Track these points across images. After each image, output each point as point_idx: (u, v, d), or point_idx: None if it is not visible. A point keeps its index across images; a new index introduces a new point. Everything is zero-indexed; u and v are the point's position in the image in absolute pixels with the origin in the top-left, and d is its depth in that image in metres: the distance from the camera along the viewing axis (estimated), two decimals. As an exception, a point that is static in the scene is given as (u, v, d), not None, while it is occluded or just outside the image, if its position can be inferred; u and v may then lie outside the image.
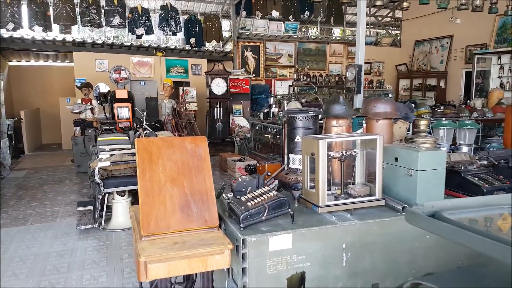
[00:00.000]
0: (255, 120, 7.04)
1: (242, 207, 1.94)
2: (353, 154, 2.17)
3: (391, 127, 2.59)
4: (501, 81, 8.68)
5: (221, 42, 10.52)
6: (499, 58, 8.65)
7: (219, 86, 8.24)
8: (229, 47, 10.71)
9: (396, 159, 2.27)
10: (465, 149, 2.81)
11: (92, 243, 3.73)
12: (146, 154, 1.89)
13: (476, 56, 9.07)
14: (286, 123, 2.37)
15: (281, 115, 5.68)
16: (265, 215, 1.90)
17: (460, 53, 10.42)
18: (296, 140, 2.29)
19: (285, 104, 5.59)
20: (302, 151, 2.17)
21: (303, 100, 5.79)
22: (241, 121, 8.73)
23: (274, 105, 6.49)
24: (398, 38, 12.50)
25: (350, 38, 11.77)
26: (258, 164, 5.69)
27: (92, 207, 4.27)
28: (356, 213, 2.11)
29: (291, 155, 2.32)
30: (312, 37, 11.28)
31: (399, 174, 2.26)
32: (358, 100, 5.41)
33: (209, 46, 10.40)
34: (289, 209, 1.95)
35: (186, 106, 8.00)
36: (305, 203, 2.17)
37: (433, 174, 2.20)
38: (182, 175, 1.90)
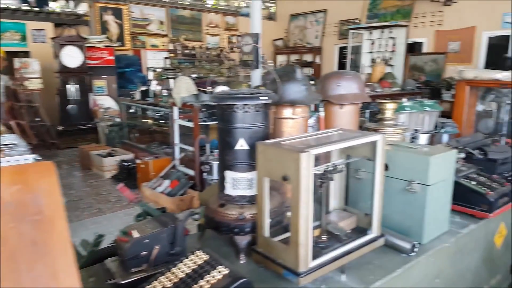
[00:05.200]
0: (129, 100, 5.59)
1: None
2: (338, 168, 1.27)
3: (358, 116, 1.79)
4: (372, 56, 8.97)
5: (72, 2, 8.38)
6: (371, 33, 8.90)
7: (72, 57, 6.43)
8: (83, 8, 8.64)
9: (387, 167, 1.47)
10: (423, 138, 2.22)
11: None
12: None
13: (352, 31, 9.17)
14: (217, 116, 1.33)
15: (166, 94, 4.46)
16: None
17: (334, 28, 10.53)
18: (238, 147, 1.27)
19: (170, 80, 4.42)
20: (259, 170, 1.18)
21: (193, 76, 4.68)
22: (105, 101, 7.07)
23: (155, 81, 5.17)
24: (274, 10, 12.11)
25: (226, 8, 10.84)
26: (138, 160, 4.41)
27: None
28: (349, 269, 1.25)
29: (228, 174, 1.31)
30: (186, 2, 9.95)
31: (392, 189, 1.48)
32: (256, 77, 4.57)
33: (56, 6, 8.19)
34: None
35: (23, 83, 5.99)
36: (264, 262, 1.21)
37: (443, 187, 1.48)
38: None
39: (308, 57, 10.99)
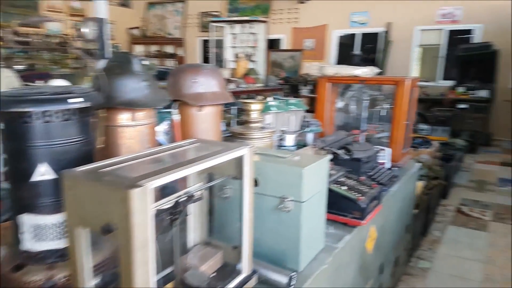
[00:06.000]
0: None
1: None
2: (196, 196, 0.93)
3: (220, 120, 1.47)
4: (235, 51, 8.94)
5: None
6: (232, 27, 8.85)
7: None
8: None
9: (256, 182, 1.20)
10: (290, 139, 2.06)
11: None
12: None
13: (214, 24, 8.97)
14: (4, 129, 0.85)
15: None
16: None
17: (195, 20, 10.20)
18: (37, 177, 0.82)
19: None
20: (69, 216, 0.75)
21: (19, 67, 3.69)
22: None
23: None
24: (129, -3, 11.12)
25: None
26: None
27: None
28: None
29: (27, 219, 0.85)
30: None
31: (264, 209, 1.22)
32: (106, 68, 3.91)
33: None
34: None
35: None
36: None
37: (318, 200, 1.28)
38: None
39: (169, 49, 10.43)
